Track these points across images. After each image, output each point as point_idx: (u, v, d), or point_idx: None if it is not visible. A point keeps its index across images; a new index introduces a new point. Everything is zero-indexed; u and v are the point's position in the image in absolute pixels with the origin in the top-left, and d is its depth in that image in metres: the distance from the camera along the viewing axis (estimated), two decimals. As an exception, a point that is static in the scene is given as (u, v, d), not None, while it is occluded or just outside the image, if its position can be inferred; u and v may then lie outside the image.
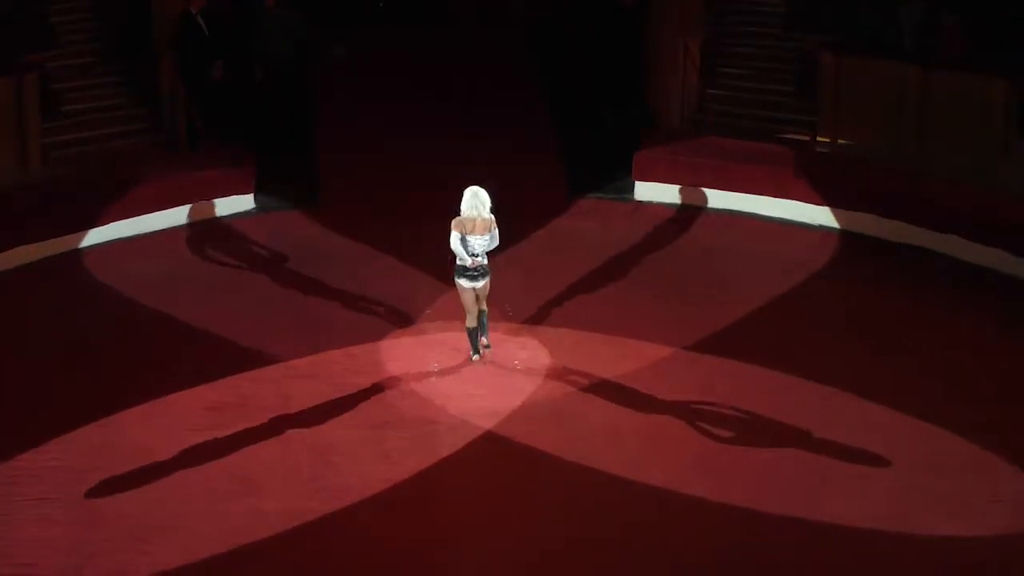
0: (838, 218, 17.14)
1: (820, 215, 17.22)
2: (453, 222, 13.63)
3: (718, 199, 17.65)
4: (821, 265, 16.39)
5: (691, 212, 17.59)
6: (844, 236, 17.02)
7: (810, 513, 11.51)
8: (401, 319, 14.87)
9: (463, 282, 13.81)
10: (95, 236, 16.62)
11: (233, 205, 17.52)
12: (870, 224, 16.95)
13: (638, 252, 16.58)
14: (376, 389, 13.43)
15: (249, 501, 11.60)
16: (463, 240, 13.60)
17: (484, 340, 14.15)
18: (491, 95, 20.11)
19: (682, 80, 19.00)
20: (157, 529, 11.22)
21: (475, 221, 13.55)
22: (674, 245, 16.87)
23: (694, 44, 18.95)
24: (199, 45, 18.13)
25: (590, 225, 17.37)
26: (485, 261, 13.75)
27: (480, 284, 13.83)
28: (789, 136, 18.34)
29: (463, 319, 14.01)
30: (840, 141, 17.95)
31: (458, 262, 13.73)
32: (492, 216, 13.60)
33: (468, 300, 13.93)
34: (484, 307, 14.03)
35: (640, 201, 17.77)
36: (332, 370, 13.77)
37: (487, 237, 13.67)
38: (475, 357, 14.09)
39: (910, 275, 16.08)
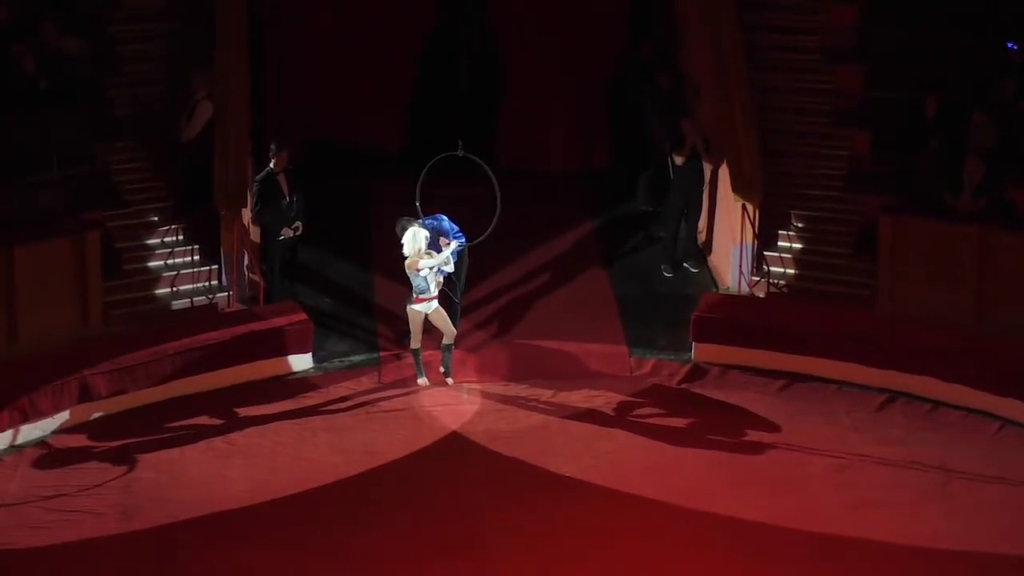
0: (900, 382, 16.96)
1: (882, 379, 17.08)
2: (417, 263, 16.33)
3: (777, 361, 17.50)
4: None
5: (749, 374, 17.44)
6: (905, 399, 16.82)
7: None
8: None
9: (418, 307, 16.46)
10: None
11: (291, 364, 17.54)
12: (932, 388, 16.78)
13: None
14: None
15: None
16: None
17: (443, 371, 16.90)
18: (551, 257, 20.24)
19: (740, 241, 18.98)
20: None
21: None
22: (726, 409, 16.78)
23: (753, 205, 18.94)
24: (280, 209, 18.10)
25: (649, 384, 17.30)
26: (435, 292, 16.51)
27: (432, 308, 16.51)
28: (848, 298, 18.32)
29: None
30: (900, 303, 17.86)
31: (416, 292, 16.45)
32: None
33: (418, 322, 16.55)
34: (450, 341, 16.80)
35: (698, 363, 17.65)
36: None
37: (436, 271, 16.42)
38: (421, 380, 16.87)
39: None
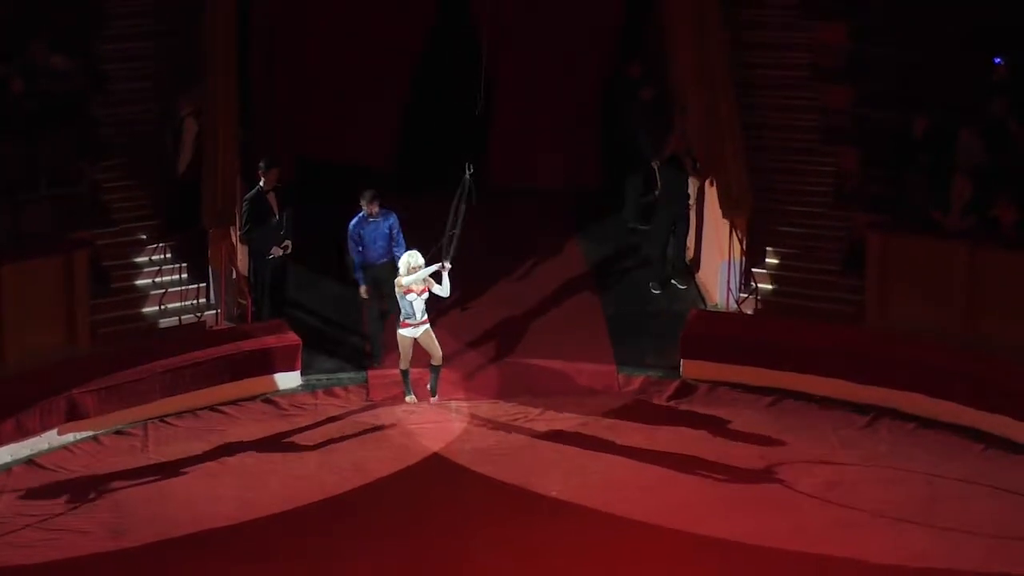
0: (888, 398, 16.97)
1: (870, 395, 17.10)
2: (400, 281, 16.36)
3: (765, 378, 17.51)
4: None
5: (738, 391, 17.44)
6: (893, 416, 16.82)
7: None
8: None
9: (405, 332, 16.52)
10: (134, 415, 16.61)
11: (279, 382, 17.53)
12: (920, 404, 16.80)
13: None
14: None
15: None
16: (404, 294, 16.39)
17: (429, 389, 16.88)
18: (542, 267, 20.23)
19: (728, 258, 18.99)
20: None
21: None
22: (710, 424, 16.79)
23: (741, 222, 18.96)
24: (269, 228, 18.06)
25: (637, 402, 17.30)
26: (424, 316, 16.60)
27: (420, 332, 16.55)
28: (836, 315, 18.33)
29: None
30: (888, 320, 17.89)
31: (402, 316, 16.49)
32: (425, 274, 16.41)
33: (406, 347, 16.61)
34: (437, 363, 16.78)
35: (686, 380, 17.66)
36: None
37: (424, 297, 16.44)
38: (409, 398, 16.92)
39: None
